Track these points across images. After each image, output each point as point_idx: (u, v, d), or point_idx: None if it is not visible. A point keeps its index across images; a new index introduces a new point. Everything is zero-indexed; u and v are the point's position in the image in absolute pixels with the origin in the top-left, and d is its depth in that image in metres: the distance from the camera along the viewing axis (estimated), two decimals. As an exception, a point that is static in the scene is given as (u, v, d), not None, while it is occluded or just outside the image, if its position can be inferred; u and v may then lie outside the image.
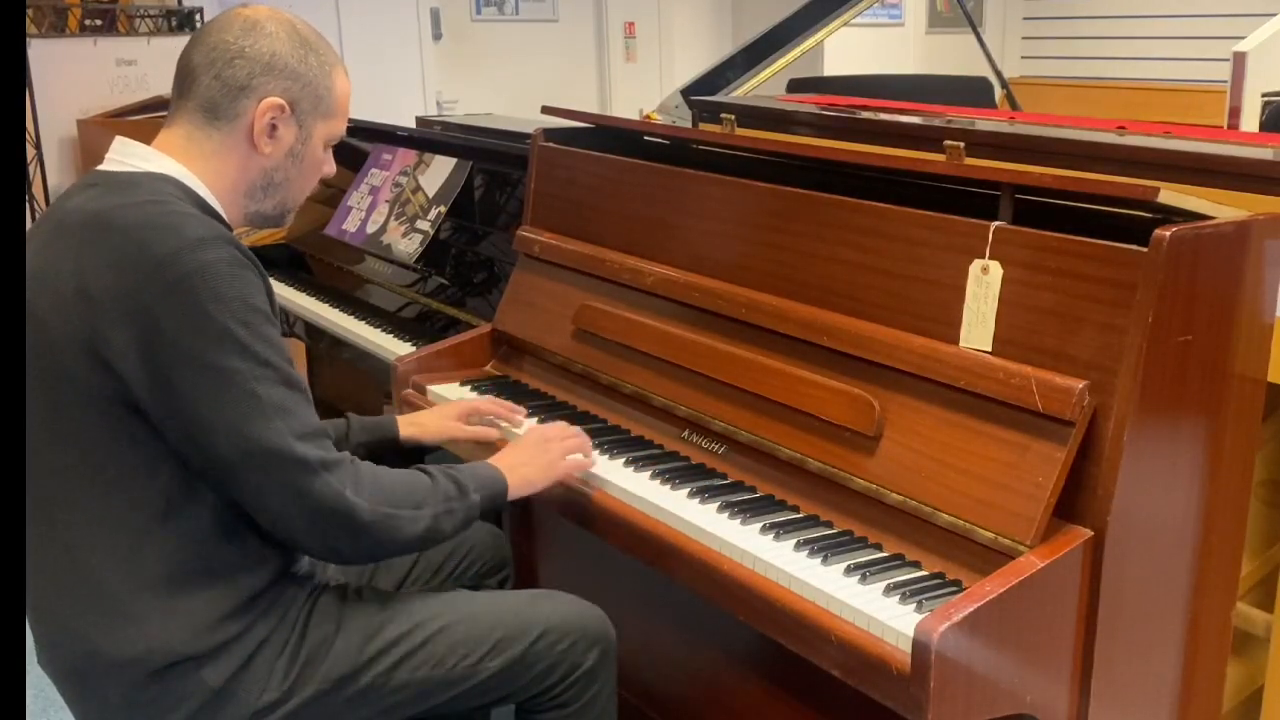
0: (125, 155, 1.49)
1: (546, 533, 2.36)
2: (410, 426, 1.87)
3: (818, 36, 3.54)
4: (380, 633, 1.52)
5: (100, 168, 1.50)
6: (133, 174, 1.45)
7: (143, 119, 4.33)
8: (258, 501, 1.38)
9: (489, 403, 1.94)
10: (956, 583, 1.42)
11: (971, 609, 1.27)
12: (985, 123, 2.34)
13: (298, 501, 1.37)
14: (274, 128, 1.50)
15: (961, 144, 1.76)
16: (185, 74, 1.49)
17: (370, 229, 2.95)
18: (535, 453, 1.70)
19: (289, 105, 1.50)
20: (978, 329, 1.50)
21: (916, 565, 1.47)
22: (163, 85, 4.75)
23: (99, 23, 4.64)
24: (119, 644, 1.38)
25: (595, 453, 1.82)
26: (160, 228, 1.34)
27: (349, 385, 3.55)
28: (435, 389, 2.13)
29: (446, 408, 1.92)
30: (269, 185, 1.54)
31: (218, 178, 1.50)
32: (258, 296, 1.38)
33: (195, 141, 1.49)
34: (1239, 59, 3.19)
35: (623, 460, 1.79)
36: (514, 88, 6.16)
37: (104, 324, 1.33)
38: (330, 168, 1.62)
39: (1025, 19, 7.77)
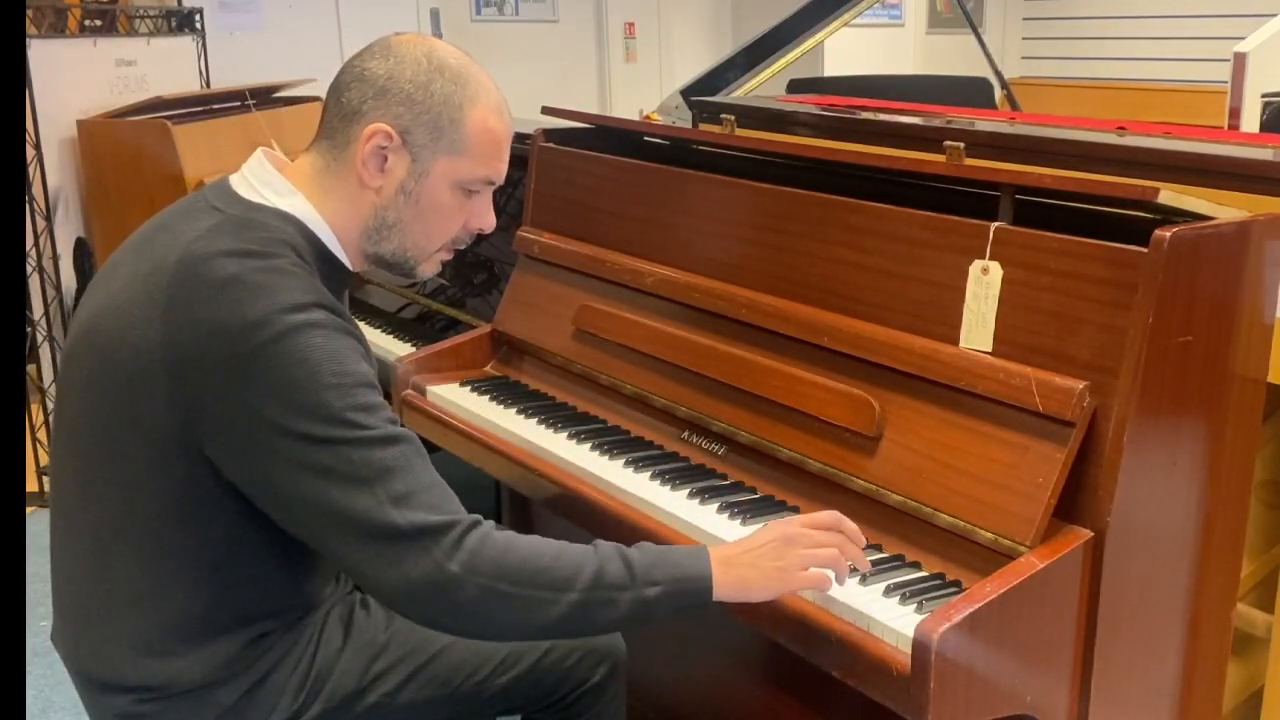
0: (260, 182, 1.38)
1: (549, 535, 2.35)
2: None
3: (818, 37, 3.54)
4: (384, 651, 1.49)
5: (233, 183, 1.39)
6: (259, 208, 1.36)
7: (143, 119, 4.33)
8: (353, 571, 1.27)
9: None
10: (956, 583, 1.42)
11: (971, 610, 1.27)
12: (985, 123, 2.34)
13: (391, 572, 1.23)
14: (384, 159, 1.37)
15: (961, 144, 1.76)
16: (325, 98, 1.41)
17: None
18: (768, 551, 1.36)
19: (398, 133, 1.36)
20: (978, 329, 1.50)
21: (916, 566, 1.47)
22: (162, 86, 4.75)
23: (99, 23, 4.63)
24: (138, 670, 1.37)
25: (595, 453, 1.82)
26: (253, 287, 1.25)
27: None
28: (435, 389, 2.13)
29: None
30: (382, 226, 1.40)
31: (336, 216, 1.39)
32: (352, 360, 1.27)
33: (319, 172, 1.39)
34: (1239, 59, 3.19)
35: (623, 461, 1.78)
36: (514, 88, 6.15)
37: (187, 381, 1.25)
38: (480, 221, 1.45)
39: (1025, 19, 7.77)
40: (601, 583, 1.29)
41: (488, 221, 1.46)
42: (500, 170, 1.44)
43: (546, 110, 2.36)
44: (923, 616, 1.31)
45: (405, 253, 1.44)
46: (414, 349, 2.43)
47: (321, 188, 1.39)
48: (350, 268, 1.44)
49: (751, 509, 1.61)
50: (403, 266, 1.46)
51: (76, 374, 1.36)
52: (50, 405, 3.80)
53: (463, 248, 1.49)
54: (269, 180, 1.38)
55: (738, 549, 1.38)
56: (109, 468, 1.33)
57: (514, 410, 2.01)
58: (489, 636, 1.38)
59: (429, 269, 1.48)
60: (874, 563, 1.46)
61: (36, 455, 3.75)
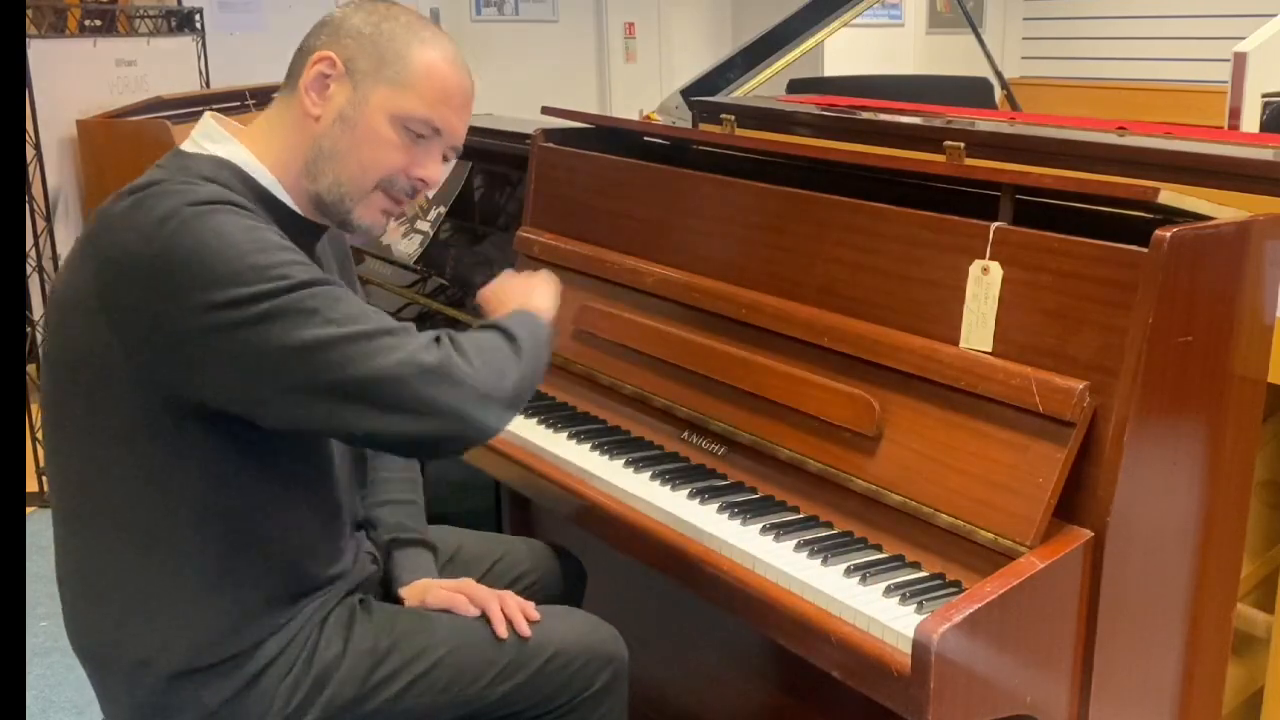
0: (202, 135, 1.41)
1: (551, 536, 2.35)
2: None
3: (818, 37, 3.54)
4: (387, 658, 1.48)
5: (182, 145, 1.42)
6: (193, 156, 1.38)
7: (143, 119, 4.32)
8: (345, 390, 1.26)
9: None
10: (957, 583, 1.42)
11: (971, 610, 1.27)
12: (985, 123, 2.34)
13: (378, 361, 1.25)
14: (326, 85, 1.39)
15: (962, 144, 1.76)
16: None
17: (370, 229, 2.94)
18: (524, 286, 1.57)
19: (343, 61, 1.39)
20: (978, 330, 1.50)
21: (916, 566, 1.47)
22: (163, 85, 4.75)
23: (99, 23, 4.63)
24: (130, 640, 1.36)
25: (595, 453, 1.82)
26: (161, 193, 1.27)
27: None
28: (435, 389, 2.12)
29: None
30: (319, 158, 1.39)
31: (278, 156, 1.40)
32: (272, 237, 1.28)
33: (268, 119, 1.43)
34: (1239, 59, 3.19)
35: (623, 461, 1.79)
36: (514, 88, 6.16)
37: (122, 306, 1.26)
38: (422, 170, 1.43)
39: (1025, 19, 7.77)
40: (512, 342, 1.40)
41: (430, 172, 1.44)
42: (449, 120, 1.43)
43: (546, 110, 2.36)
44: (923, 616, 1.31)
45: (340, 188, 1.40)
46: (414, 349, 2.42)
47: (266, 132, 1.41)
48: (297, 210, 1.42)
49: (751, 509, 1.61)
50: (339, 207, 1.42)
51: (45, 345, 1.39)
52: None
53: (406, 199, 1.46)
54: (210, 134, 1.41)
55: (510, 300, 1.53)
56: (72, 430, 1.34)
57: (514, 410, 2.01)
58: (502, 389, 1.35)
59: (366, 214, 1.43)
60: (874, 563, 1.46)
61: (36, 455, 3.74)
